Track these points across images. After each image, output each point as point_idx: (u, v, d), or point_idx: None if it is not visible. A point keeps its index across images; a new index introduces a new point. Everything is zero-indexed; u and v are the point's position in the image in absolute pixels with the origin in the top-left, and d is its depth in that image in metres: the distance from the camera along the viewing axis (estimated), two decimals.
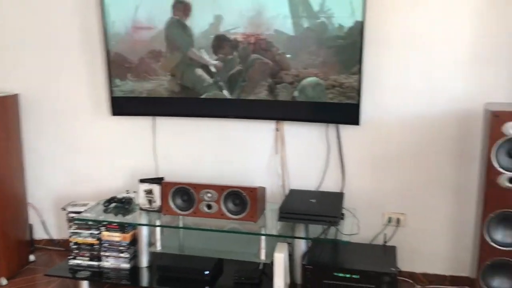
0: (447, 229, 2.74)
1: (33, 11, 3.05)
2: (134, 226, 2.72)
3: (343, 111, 2.64)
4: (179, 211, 2.60)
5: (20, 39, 3.10)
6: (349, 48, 2.55)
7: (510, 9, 2.46)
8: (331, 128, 2.79)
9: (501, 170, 2.12)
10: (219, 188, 2.54)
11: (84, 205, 2.89)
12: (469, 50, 2.54)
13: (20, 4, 3.06)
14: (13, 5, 3.07)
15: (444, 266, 2.78)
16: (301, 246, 2.56)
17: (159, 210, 2.66)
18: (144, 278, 2.69)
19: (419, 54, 2.61)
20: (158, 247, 2.75)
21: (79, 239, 2.77)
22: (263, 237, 2.57)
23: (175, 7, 2.73)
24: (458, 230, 2.72)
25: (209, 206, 2.56)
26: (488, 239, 2.19)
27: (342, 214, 2.54)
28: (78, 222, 2.75)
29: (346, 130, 2.76)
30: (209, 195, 2.55)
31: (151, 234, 2.76)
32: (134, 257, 2.77)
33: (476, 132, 2.57)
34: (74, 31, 3.03)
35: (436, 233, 2.76)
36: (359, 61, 2.54)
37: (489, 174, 2.15)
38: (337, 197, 2.67)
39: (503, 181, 2.13)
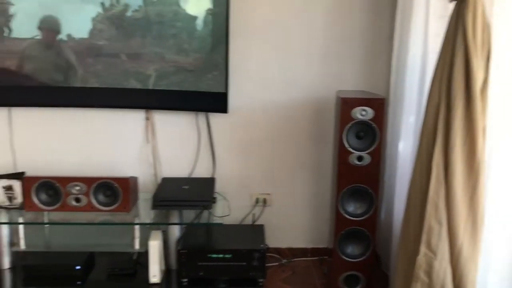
0: (307, 205, 3.02)
1: None
2: None
3: (212, 99, 2.73)
4: (44, 207, 2.47)
5: None
6: None
7: (354, 11, 2.78)
8: (201, 116, 2.87)
9: (350, 149, 2.41)
10: (88, 181, 2.47)
11: None
12: (321, 45, 2.82)
13: None
14: None
15: (306, 240, 3.06)
16: (175, 232, 2.61)
17: (21, 207, 2.49)
18: (7, 281, 2.51)
19: (279, 47, 2.81)
20: (22, 246, 2.58)
21: None
22: (137, 227, 2.56)
23: None
24: (316, 205, 3.02)
25: (77, 200, 2.47)
26: (342, 211, 2.48)
27: (214, 198, 2.64)
28: None
29: (216, 118, 2.87)
30: (77, 188, 2.46)
31: (13, 233, 2.58)
32: None
33: (329, 116, 2.87)
34: None
35: (298, 210, 3.02)
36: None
37: (341, 153, 2.42)
38: (209, 182, 2.77)
39: (352, 160, 2.42)
